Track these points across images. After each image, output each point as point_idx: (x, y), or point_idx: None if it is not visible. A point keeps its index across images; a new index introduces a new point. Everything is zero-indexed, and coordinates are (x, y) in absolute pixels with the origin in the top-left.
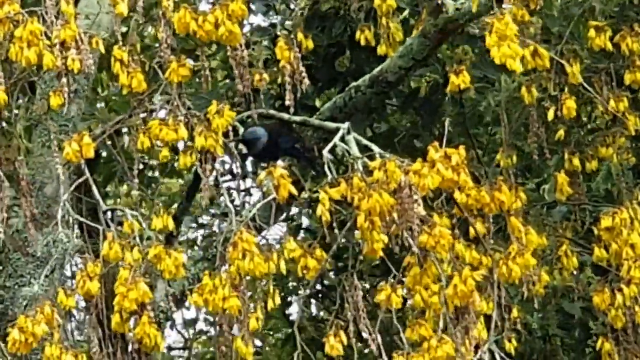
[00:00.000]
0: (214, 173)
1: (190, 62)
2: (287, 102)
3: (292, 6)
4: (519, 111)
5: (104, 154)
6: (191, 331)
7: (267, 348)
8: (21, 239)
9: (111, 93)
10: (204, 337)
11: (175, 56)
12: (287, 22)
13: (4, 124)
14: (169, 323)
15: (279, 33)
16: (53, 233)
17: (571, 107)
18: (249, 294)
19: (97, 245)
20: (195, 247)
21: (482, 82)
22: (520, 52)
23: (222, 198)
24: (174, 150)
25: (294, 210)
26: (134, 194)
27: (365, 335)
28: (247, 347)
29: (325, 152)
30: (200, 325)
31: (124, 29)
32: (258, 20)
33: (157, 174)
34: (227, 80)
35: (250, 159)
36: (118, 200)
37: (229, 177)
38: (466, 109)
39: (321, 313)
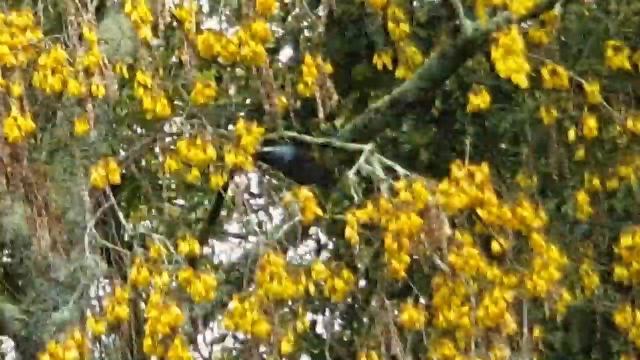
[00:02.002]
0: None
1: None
2: (320, 115)
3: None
4: (538, 131)
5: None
6: (216, 348)
7: None
8: (45, 265)
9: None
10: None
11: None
12: (303, 24)
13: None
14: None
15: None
16: (80, 259)
17: (592, 127)
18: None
19: (122, 270)
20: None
21: (496, 92)
22: (526, 67)
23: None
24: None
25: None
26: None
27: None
28: None
29: (350, 174)
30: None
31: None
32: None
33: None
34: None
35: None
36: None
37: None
38: (486, 127)
39: (347, 332)
